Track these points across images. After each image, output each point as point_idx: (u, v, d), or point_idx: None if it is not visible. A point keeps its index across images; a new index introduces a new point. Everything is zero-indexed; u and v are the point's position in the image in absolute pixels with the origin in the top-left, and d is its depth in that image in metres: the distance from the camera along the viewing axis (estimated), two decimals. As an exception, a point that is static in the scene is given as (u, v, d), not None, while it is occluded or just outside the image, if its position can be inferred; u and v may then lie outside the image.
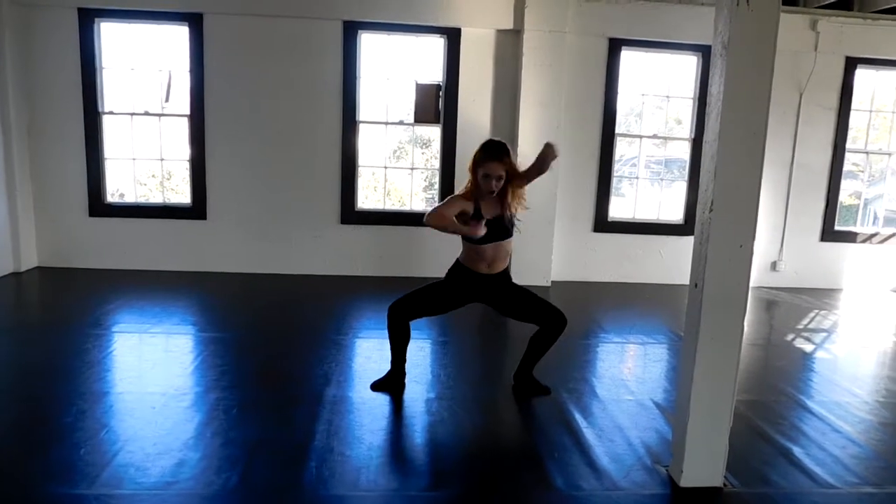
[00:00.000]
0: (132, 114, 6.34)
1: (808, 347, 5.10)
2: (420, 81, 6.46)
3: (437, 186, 6.76)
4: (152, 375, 3.96)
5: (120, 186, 6.87)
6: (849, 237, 6.98)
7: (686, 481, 2.84)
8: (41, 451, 2.93)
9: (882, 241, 6.97)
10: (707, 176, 2.70)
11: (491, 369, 4.46)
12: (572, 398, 3.80)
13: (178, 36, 6.22)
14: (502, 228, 3.52)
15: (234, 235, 6.46)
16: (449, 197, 3.61)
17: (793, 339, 5.26)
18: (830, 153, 6.75)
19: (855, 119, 6.74)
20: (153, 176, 7.20)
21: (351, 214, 6.55)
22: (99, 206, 6.35)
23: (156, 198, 6.94)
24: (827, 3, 6.19)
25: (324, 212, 6.53)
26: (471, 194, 3.48)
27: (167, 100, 6.36)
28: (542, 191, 6.34)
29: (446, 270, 3.76)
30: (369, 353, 4.45)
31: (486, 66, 6.40)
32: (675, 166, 7.14)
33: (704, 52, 6.52)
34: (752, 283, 7.01)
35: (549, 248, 6.47)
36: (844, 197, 6.97)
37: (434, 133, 6.87)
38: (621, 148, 6.79)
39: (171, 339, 4.66)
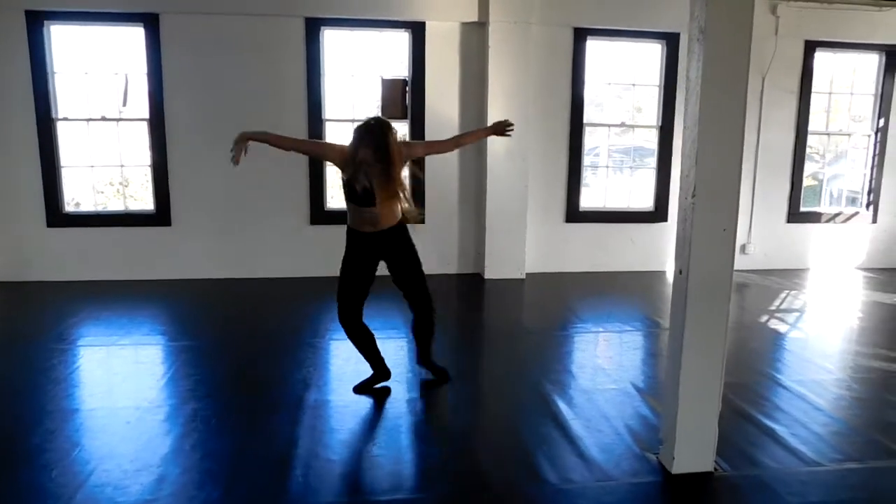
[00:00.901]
0: (88, 119, 6.11)
1: (781, 328, 5.18)
2: (386, 77, 6.36)
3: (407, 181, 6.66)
4: (123, 389, 3.82)
5: (78, 195, 6.63)
6: (814, 217, 7.11)
7: (678, 468, 2.83)
8: (8, 474, 2.79)
9: (845, 221, 7.11)
10: (688, 161, 2.69)
11: (469, 365, 4.41)
12: (556, 389, 3.78)
13: (133, 37, 6.00)
14: (366, 196, 3.47)
15: (201, 241, 6.28)
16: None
17: (766, 321, 5.33)
18: (793, 135, 6.86)
19: (815, 101, 6.86)
20: (111, 183, 6.94)
21: (320, 214, 6.43)
22: (57, 215, 6.10)
23: (116, 205, 6.69)
24: (784, -13, 6.29)
25: (293, 213, 6.39)
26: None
27: (124, 104, 6.14)
28: (513, 183, 6.35)
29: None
30: (347, 355, 4.32)
31: (452, 60, 6.33)
32: (638, 154, 7.17)
33: (669, 39, 6.55)
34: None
35: (521, 239, 6.44)
36: (804, 179, 7.09)
37: (402, 129, 6.78)
38: (588, 138, 6.78)
39: (140, 350, 4.49)
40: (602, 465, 2.93)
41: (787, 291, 6.24)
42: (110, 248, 6.20)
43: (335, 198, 6.95)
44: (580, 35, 6.45)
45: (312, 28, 6.13)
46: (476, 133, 4.26)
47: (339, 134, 6.51)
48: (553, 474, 2.86)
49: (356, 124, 3.60)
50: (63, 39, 6.01)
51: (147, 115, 6.07)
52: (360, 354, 3.75)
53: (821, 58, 6.79)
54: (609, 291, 6.27)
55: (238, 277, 6.30)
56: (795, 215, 7.00)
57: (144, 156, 6.19)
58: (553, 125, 6.54)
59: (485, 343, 4.93)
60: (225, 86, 6.11)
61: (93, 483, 2.71)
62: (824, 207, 7.31)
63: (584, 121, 6.61)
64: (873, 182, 7.15)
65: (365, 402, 3.61)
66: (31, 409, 3.45)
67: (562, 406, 3.56)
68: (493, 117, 6.14)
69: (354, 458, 3.01)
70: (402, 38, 6.36)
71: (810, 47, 6.70)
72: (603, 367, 4.24)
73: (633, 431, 3.26)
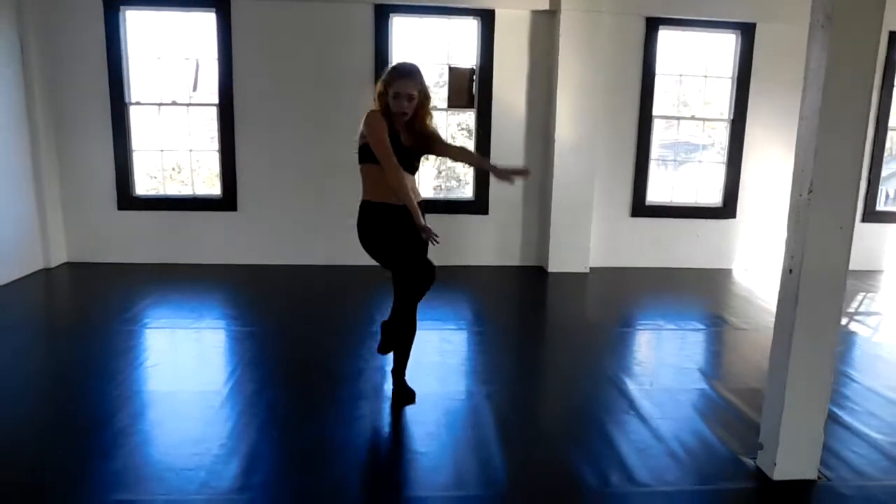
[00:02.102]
0: (160, 104, 6.20)
1: (862, 331, 4.98)
2: (454, 65, 6.30)
3: (471, 175, 6.62)
4: (202, 373, 3.87)
5: (149, 178, 6.75)
6: (891, 217, 6.83)
7: (779, 474, 2.72)
8: (105, 456, 2.83)
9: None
10: (805, 155, 2.57)
11: (541, 359, 4.35)
12: (636, 387, 3.69)
13: (205, 23, 6.06)
14: (410, 160, 3.19)
15: (266, 226, 6.34)
16: (371, 122, 3.06)
17: (846, 324, 5.13)
18: (873, 132, 6.58)
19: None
20: (176, 169, 7.04)
21: (384, 203, 6.41)
22: (127, 199, 6.22)
23: (185, 189, 6.79)
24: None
25: (355, 200, 6.37)
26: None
27: (195, 89, 6.22)
28: (579, 175, 6.23)
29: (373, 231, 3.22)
30: (423, 344, 4.33)
31: (522, 49, 6.23)
32: (691, 148, 6.97)
33: (743, 29, 6.33)
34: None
35: (586, 233, 6.33)
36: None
37: (468, 118, 6.72)
38: (657, 131, 6.61)
39: (211, 334, 4.56)
40: (697, 468, 2.84)
41: (863, 294, 6.01)
42: (177, 231, 6.30)
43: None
44: (652, 24, 6.28)
45: (381, 14, 6.09)
46: (482, 163, 4.17)
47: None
48: (647, 475, 2.78)
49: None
50: (138, 24, 6.10)
51: (217, 101, 6.13)
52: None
53: (906, 50, 6.49)
54: (675, 288, 6.13)
55: (305, 264, 6.33)
56: (871, 214, 6.72)
57: (213, 141, 6.26)
58: (621, 117, 6.40)
59: (556, 337, 4.85)
60: (293, 72, 6.13)
61: (184, 466, 2.73)
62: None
63: (654, 113, 6.45)
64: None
65: (442, 394, 3.57)
66: (114, 393, 3.48)
67: (645, 404, 3.47)
68: (561, 108, 6.10)
69: (442, 451, 2.97)
70: (471, 26, 6.28)
71: (894, 38, 6.40)
72: (682, 366, 4.13)
73: (723, 433, 3.15)
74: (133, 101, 6.14)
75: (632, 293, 5.93)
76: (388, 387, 3.58)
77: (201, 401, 3.40)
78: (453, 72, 6.31)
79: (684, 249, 6.66)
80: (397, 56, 6.24)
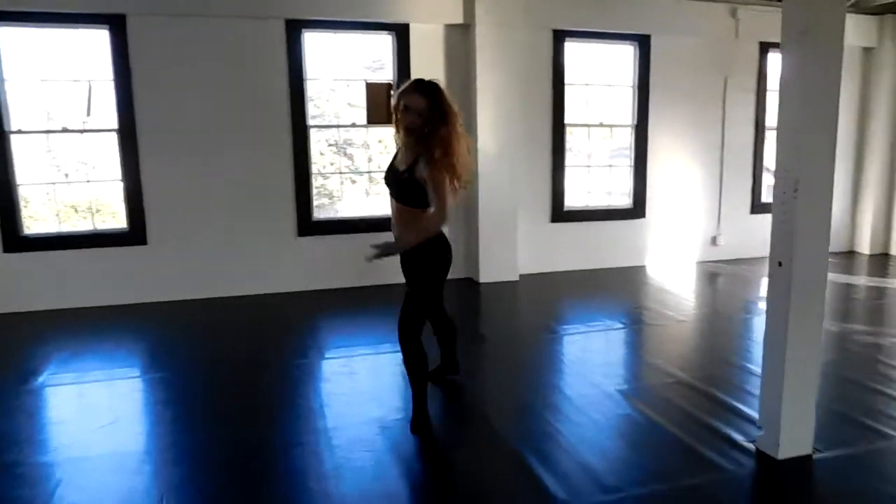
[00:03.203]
0: (48, 131, 5.55)
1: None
2: (370, 81, 6.20)
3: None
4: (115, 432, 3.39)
5: (38, 215, 6.01)
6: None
7: (783, 453, 2.92)
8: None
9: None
10: (789, 158, 2.77)
11: (508, 367, 4.36)
12: (622, 387, 3.81)
13: (96, 41, 5.51)
14: (396, 184, 3.14)
15: (180, 259, 5.85)
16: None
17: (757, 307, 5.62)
18: (753, 132, 7.29)
19: (770, 99, 7.32)
20: (70, 205, 6.30)
21: (309, 225, 6.17)
22: (15, 239, 5.50)
23: (84, 225, 6.09)
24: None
25: (278, 225, 6.09)
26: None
27: (88, 114, 5.63)
28: (502, 184, 6.35)
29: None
30: (360, 367, 4.19)
31: (438, 62, 6.26)
32: (607, 155, 7.38)
33: (640, 41, 6.78)
34: (696, 258, 7.40)
35: (513, 241, 6.46)
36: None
37: (387, 134, 6.63)
38: (571, 138, 6.90)
39: (120, 384, 4.02)
40: (709, 459, 2.98)
41: (765, 278, 6.62)
42: (77, 272, 5.65)
43: (323, 207, 6.71)
44: (559, 37, 6.56)
45: (293, 30, 5.87)
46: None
47: (321, 139, 6.28)
48: (665, 471, 2.88)
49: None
50: (14, 43, 5.42)
51: (116, 125, 5.60)
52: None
53: (774, 58, 7.26)
54: (604, 288, 6.40)
55: (222, 296, 5.91)
56: (758, 206, 7.43)
57: (115, 170, 5.70)
58: (537, 126, 6.61)
59: (490, 346, 4.81)
60: (201, 92, 5.73)
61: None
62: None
63: (566, 121, 6.73)
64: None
65: (378, 417, 3.42)
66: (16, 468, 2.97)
67: (639, 405, 3.58)
68: (481, 120, 6.20)
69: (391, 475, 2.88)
70: (386, 42, 6.22)
71: (764, 48, 7.14)
72: (651, 362, 4.33)
73: (715, 423, 3.34)
74: (14, 129, 5.45)
75: (561, 297, 6.13)
76: (326, 422, 3.40)
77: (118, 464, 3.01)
78: (370, 87, 6.19)
79: (603, 250, 6.99)
80: (311, 73, 6.05)
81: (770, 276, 2.93)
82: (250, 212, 5.98)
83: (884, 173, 7.62)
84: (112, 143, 5.64)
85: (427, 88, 3.07)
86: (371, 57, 6.32)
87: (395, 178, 3.17)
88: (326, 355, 4.57)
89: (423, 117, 3.00)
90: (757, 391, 3.57)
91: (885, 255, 7.70)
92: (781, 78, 2.81)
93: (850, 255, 7.75)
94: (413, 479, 2.93)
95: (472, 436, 3.41)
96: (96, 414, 3.59)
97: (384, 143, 6.97)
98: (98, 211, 6.13)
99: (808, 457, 2.96)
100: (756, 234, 7.46)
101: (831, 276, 6.14)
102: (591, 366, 4.33)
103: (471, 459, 3.15)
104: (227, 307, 5.71)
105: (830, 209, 2.83)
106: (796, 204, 2.76)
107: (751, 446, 3.07)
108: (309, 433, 3.30)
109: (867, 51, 7.57)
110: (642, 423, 3.39)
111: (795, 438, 2.94)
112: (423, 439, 3.21)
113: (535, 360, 4.48)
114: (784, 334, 2.85)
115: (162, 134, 5.68)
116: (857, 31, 7.21)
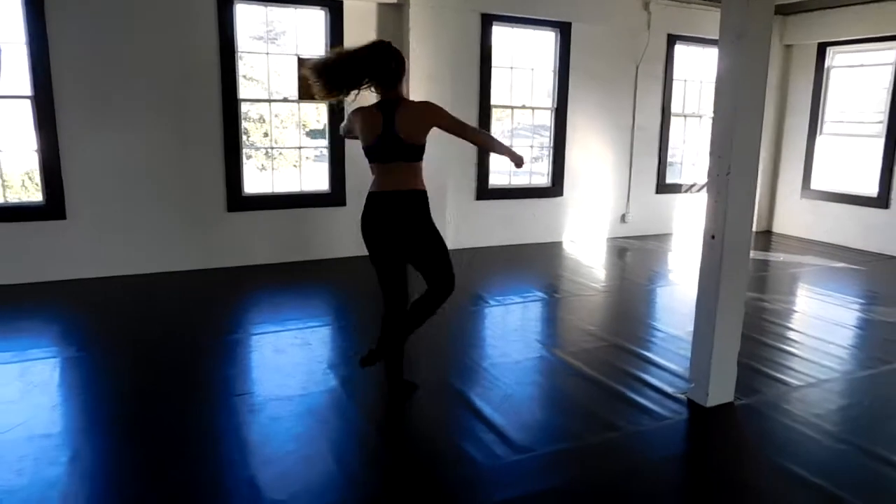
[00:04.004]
0: (-48, 96, 5.14)
1: (677, 284, 6.05)
2: (303, 56, 6.16)
3: (326, 166, 6.56)
4: (31, 415, 3.43)
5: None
6: (675, 188, 8.26)
7: (711, 401, 3.36)
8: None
9: (699, 190, 8.35)
10: (723, 143, 3.15)
11: (449, 335, 4.60)
12: (565, 351, 4.15)
13: (8, 1, 5.14)
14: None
15: (103, 235, 5.62)
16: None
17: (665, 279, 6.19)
18: (660, 117, 7.89)
19: (676, 87, 7.92)
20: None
21: (238, 200, 6.09)
22: (-85, 212, 5.09)
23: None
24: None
25: (208, 199, 5.97)
26: None
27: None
28: (433, 165, 6.52)
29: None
30: (285, 343, 4.28)
31: (371, 40, 6.30)
32: (529, 136, 7.74)
33: (561, 28, 7.14)
34: (606, 235, 7.92)
35: (443, 219, 6.67)
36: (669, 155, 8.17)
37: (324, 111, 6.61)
38: (495, 119, 7.18)
39: (41, 365, 3.89)
40: (651, 409, 3.36)
41: (669, 253, 7.25)
42: (-11, 247, 5.32)
43: (254, 181, 6.61)
44: (487, 20, 6.79)
45: (225, 1, 5.73)
46: (502, 150, 3.60)
47: (253, 112, 6.18)
48: (621, 421, 3.23)
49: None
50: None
51: (31, 92, 5.27)
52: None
53: (679, 50, 7.86)
54: (527, 262, 6.77)
55: (147, 273, 5.74)
56: (662, 187, 8.07)
57: (30, 139, 5.37)
58: (465, 107, 6.81)
59: (451, 316, 5.04)
60: (126, 59, 5.49)
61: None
62: (682, 179, 8.43)
63: (492, 102, 6.99)
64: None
65: (306, 393, 3.57)
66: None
67: (581, 366, 3.92)
68: (414, 98, 6.29)
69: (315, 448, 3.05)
70: (319, 17, 6.20)
71: (671, 40, 7.72)
72: (582, 327, 4.70)
73: (649, 378, 3.74)
74: (-88, 92, 5.02)
75: (489, 271, 6.43)
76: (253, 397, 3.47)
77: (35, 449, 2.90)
78: (302, 62, 6.17)
79: (524, 227, 7.37)
80: (243, 46, 5.93)
81: (703, 248, 3.33)
82: (179, 186, 5.84)
83: (766, 160, 8.46)
84: (26, 110, 5.31)
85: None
86: (304, 33, 6.26)
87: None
88: (255, 331, 4.55)
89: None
90: (680, 351, 4.07)
91: (769, 233, 8.60)
92: (718, 74, 3.18)
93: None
94: (336, 443, 3.03)
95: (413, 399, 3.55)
96: (6, 394, 3.43)
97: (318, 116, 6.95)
98: (6, 183, 5.74)
99: (731, 404, 3.42)
100: (661, 212, 8.14)
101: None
102: (527, 332, 4.67)
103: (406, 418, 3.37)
104: (153, 284, 5.56)
105: (755, 189, 3.25)
106: (728, 184, 3.15)
107: (682, 397, 3.49)
108: (233, 404, 3.36)
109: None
110: (584, 381, 3.73)
111: (721, 389, 3.39)
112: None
113: (472, 329, 4.75)
114: (715, 299, 3.26)
115: (82, 103, 5.41)
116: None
